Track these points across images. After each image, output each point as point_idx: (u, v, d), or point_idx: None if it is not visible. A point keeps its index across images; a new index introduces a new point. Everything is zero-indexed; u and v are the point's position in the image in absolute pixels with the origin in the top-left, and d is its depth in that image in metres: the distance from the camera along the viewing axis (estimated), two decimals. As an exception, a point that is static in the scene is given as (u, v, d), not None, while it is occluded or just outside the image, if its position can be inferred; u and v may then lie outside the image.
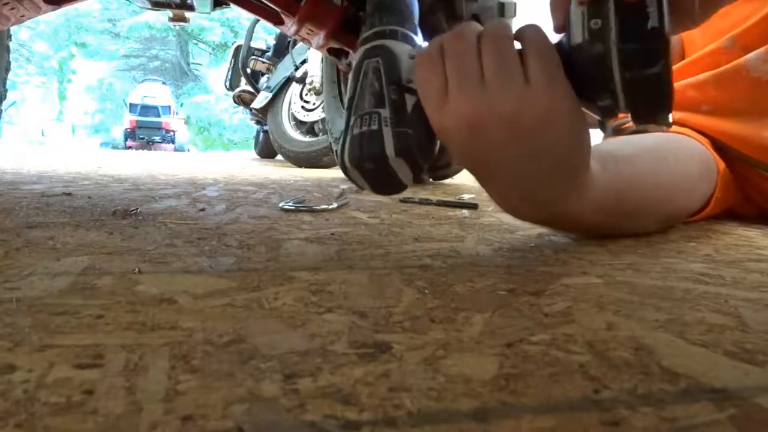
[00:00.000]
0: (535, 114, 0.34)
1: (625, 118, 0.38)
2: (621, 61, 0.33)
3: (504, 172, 0.38)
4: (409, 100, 0.40)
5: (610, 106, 0.35)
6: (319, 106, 2.32)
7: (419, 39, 0.46)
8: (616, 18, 0.33)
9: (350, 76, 0.45)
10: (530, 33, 0.35)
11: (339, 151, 0.42)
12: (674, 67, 0.75)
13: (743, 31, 0.68)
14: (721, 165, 0.65)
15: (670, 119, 0.35)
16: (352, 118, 0.41)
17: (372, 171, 0.40)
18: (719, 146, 0.68)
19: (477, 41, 0.36)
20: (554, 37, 0.37)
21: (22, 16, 0.96)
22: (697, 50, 0.74)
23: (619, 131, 0.38)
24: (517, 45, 0.36)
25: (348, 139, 0.40)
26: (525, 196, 0.40)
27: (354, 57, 0.45)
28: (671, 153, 0.58)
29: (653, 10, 0.32)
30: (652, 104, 0.34)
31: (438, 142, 0.41)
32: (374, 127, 0.39)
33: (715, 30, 0.71)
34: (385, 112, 0.39)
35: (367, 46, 0.44)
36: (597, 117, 0.37)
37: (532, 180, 0.38)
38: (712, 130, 0.68)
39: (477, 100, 0.34)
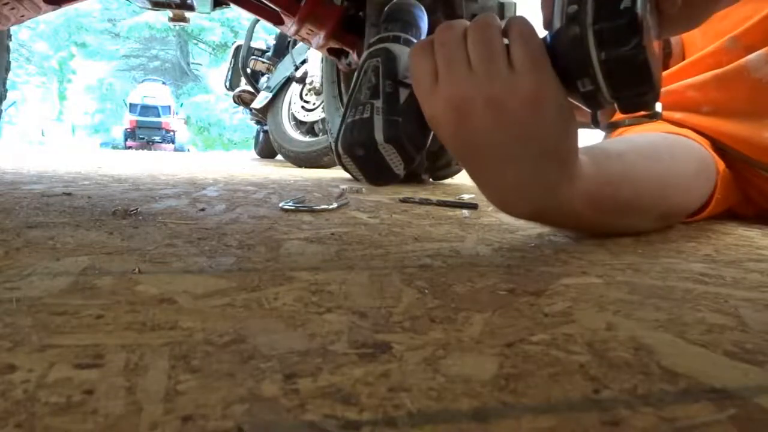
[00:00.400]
0: (521, 98, 0.35)
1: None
2: (596, 42, 0.33)
3: (493, 158, 0.39)
4: (403, 93, 0.41)
5: (593, 92, 0.35)
6: (319, 106, 2.32)
7: None
8: (592, 1, 0.34)
9: (355, 75, 0.46)
10: (515, 22, 0.37)
11: (334, 141, 0.44)
12: (675, 68, 0.75)
13: (744, 32, 0.68)
14: (721, 165, 0.65)
15: (659, 108, 0.35)
16: (348, 110, 0.43)
17: (362, 157, 0.41)
18: (719, 147, 0.68)
19: (465, 32, 0.37)
20: (543, 33, 0.38)
21: (22, 16, 0.96)
22: (697, 51, 0.74)
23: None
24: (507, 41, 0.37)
25: (342, 128, 0.42)
26: (515, 186, 0.40)
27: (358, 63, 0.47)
28: (666, 152, 0.58)
29: None
30: (631, 85, 0.34)
31: (430, 134, 0.43)
32: (366, 115, 0.41)
33: (716, 31, 0.71)
34: (378, 103, 0.41)
35: (370, 50, 0.46)
36: (584, 107, 0.38)
37: (520, 167, 0.39)
38: (713, 131, 0.68)
39: (464, 85, 0.36)
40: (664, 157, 0.56)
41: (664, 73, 0.76)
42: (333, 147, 0.44)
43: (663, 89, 0.73)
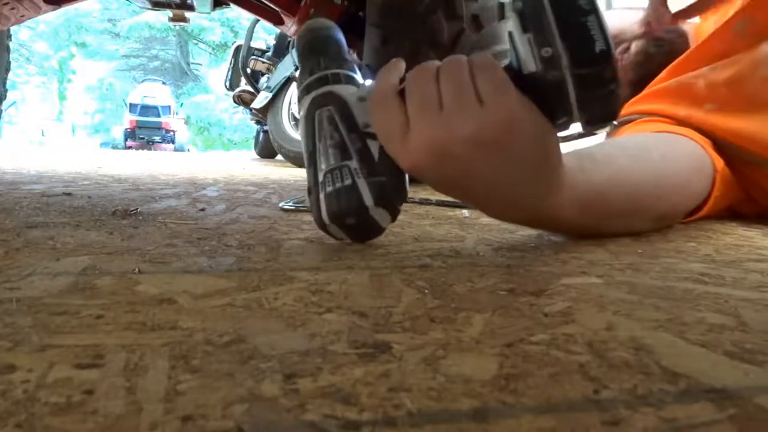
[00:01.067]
0: (495, 128, 0.36)
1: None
2: (576, 85, 0.35)
3: (479, 186, 0.39)
4: (373, 146, 0.41)
5: (566, 122, 0.37)
6: (319, 106, 2.31)
7: (359, 76, 0.46)
8: (564, 44, 0.34)
9: (301, 125, 0.44)
10: (476, 58, 0.38)
11: (312, 209, 0.42)
12: (682, 56, 0.74)
13: (749, 5, 0.67)
14: (720, 163, 0.65)
15: (614, 121, 0.38)
16: (320, 175, 0.41)
17: (353, 225, 0.41)
18: (722, 145, 0.67)
19: (436, 74, 0.38)
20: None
21: (22, 16, 0.96)
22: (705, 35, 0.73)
23: (568, 139, 0.41)
24: None
25: (323, 197, 0.41)
26: (504, 204, 0.42)
27: (301, 105, 0.45)
28: (656, 151, 0.58)
29: (597, 33, 0.34)
30: (603, 117, 0.37)
31: (407, 181, 0.43)
32: (348, 181, 0.40)
33: (723, 13, 0.71)
34: (353, 164, 0.40)
35: (314, 94, 0.44)
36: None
37: (507, 186, 0.39)
38: (717, 128, 0.67)
39: (437, 127, 0.36)
40: (653, 158, 0.56)
41: (674, 63, 0.75)
42: (315, 218, 0.43)
43: (673, 81, 0.73)
